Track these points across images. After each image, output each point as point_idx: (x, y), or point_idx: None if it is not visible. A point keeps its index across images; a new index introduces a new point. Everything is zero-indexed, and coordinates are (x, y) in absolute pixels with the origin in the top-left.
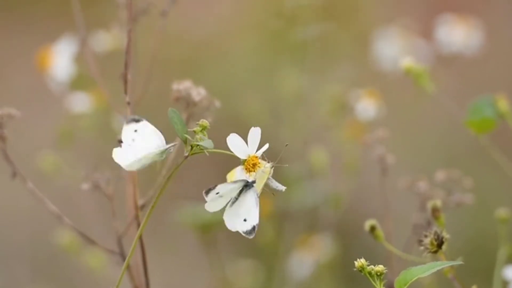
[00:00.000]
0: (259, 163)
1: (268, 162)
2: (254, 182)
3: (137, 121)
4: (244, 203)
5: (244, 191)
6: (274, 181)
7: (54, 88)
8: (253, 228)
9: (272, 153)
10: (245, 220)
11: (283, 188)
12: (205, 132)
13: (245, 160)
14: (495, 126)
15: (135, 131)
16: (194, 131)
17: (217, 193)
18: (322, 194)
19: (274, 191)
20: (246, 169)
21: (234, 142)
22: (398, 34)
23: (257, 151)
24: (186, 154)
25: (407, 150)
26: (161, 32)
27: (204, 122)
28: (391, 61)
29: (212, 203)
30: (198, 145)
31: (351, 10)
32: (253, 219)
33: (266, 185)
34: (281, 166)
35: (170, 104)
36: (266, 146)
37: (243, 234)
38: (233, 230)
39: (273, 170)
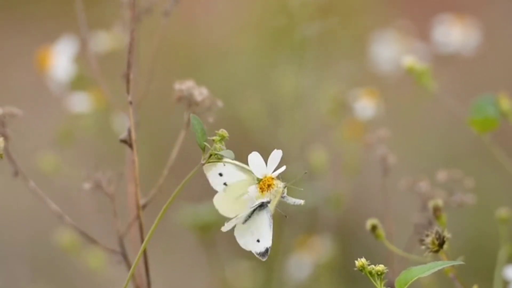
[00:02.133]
0: (274, 184)
1: (282, 182)
2: (269, 202)
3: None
4: (257, 223)
5: (258, 210)
6: (290, 198)
7: (54, 89)
8: (266, 250)
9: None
10: (258, 241)
11: (301, 202)
12: (223, 142)
13: (261, 179)
14: (498, 125)
15: (220, 174)
16: (213, 140)
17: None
18: (322, 194)
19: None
20: (260, 188)
21: (255, 161)
22: (396, 36)
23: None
24: (203, 162)
25: (408, 150)
26: (163, 32)
27: (223, 132)
28: (389, 63)
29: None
30: (216, 154)
31: (350, 10)
32: (267, 241)
33: (283, 202)
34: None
35: (172, 104)
36: (283, 168)
37: (256, 255)
38: (245, 248)
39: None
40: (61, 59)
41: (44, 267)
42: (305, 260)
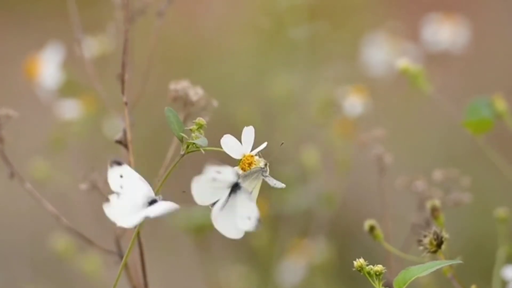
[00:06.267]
0: (255, 162)
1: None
2: (237, 184)
3: (119, 164)
4: (239, 204)
5: (234, 192)
6: (271, 178)
7: (42, 96)
8: (259, 220)
9: (265, 154)
10: (249, 218)
11: (282, 185)
12: (201, 130)
13: (241, 160)
14: (492, 127)
15: (121, 176)
16: (190, 130)
17: (217, 172)
18: (316, 195)
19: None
20: (242, 168)
21: (227, 143)
22: (387, 38)
23: (253, 150)
24: (182, 153)
25: (405, 151)
26: (158, 32)
27: (201, 120)
28: (382, 65)
29: (204, 188)
30: (193, 143)
31: (343, 12)
32: (255, 213)
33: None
34: (276, 167)
35: (167, 104)
36: (264, 145)
37: (251, 230)
38: (230, 235)
39: (269, 172)
40: (48, 67)
41: (44, 267)
42: (300, 262)
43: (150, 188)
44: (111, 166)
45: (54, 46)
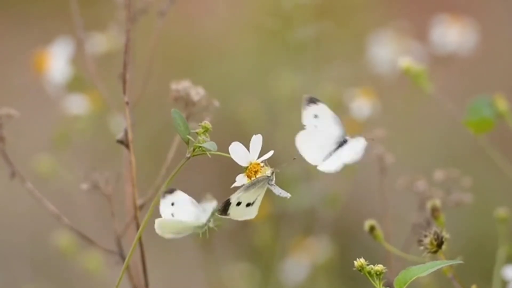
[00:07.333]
0: (261, 169)
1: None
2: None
3: (171, 192)
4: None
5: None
6: (277, 187)
7: (51, 91)
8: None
9: (270, 159)
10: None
11: (287, 195)
12: (207, 134)
13: (247, 167)
14: (494, 126)
15: (172, 204)
16: (197, 133)
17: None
18: (319, 194)
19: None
20: (248, 176)
21: (235, 150)
22: (393, 37)
23: (259, 157)
24: (188, 155)
25: (406, 151)
26: (159, 32)
27: (207, 123)
28: (387, 64)
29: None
30: (200, 146)
31: (348, 10)
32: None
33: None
34: (278, 166)
35: (169, 104)
36: (271, 153)
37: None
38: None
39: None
40: (57, 62)
41: (44, 267)
42: (303, 261)
43: (199, 208)
44: (165, 196)
45: (63, 41)
